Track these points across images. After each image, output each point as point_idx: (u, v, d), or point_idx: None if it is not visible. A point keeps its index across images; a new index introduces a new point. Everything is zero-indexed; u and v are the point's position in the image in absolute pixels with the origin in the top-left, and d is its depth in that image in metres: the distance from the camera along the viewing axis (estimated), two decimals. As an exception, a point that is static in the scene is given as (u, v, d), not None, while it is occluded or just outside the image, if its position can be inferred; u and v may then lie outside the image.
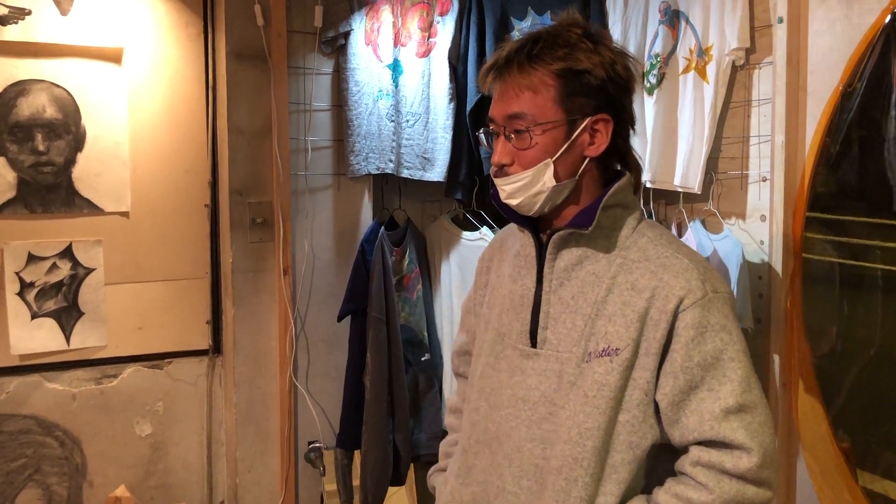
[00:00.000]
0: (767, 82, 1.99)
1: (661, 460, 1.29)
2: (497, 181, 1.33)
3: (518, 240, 1.44)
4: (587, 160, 1.31)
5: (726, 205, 2.14)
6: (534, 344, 1.33)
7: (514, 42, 1.31)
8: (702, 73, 2.11)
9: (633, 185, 1.36)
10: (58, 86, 2.38)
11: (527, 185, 1.29)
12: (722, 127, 2.12)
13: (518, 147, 1.29)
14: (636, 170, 1.37)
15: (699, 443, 1.23)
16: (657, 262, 1.27)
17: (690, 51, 2.15)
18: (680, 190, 2.20)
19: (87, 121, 2.42)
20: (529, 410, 1.30)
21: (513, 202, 1.31)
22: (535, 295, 1.34)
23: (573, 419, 1.25)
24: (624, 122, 1.33)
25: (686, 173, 2.16)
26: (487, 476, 1.34)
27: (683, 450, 1.26)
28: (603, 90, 1.28)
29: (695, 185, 2.13)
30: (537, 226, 1.38)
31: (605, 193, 1.30)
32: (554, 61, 1.25)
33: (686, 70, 2.17)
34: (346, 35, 2.43)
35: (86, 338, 2.46)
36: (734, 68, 2.07)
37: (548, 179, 1.28)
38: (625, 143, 1.35)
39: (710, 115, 2.08)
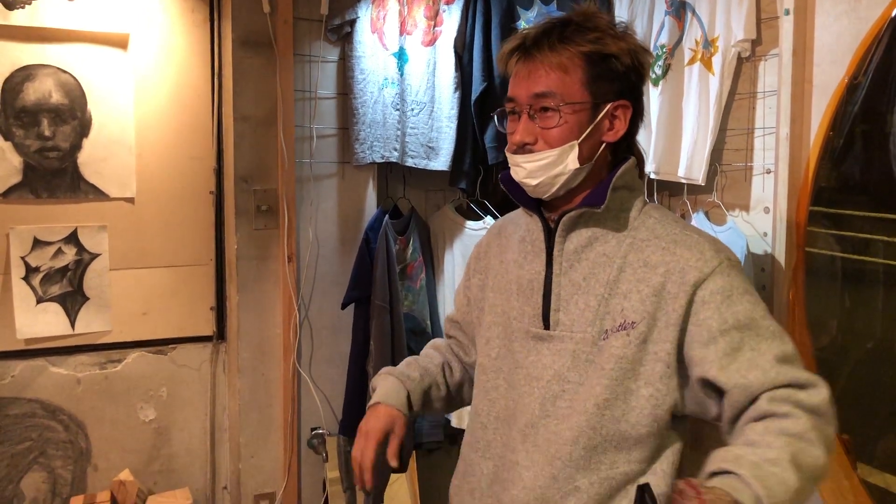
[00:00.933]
0: (773, 74, 1.99)
1: (679, 430, 1.33)
2: (518, 158, 1.32)
3: (521, 226, 1.45)
4: (603, 145, 1.33)
5: (730, 196, 2.15)
6: (546, 326, 1.34)
7: (541, 24, 1.33)
8: (707, 64, 2.11)
9: (638, 168, 1.38)
10: (64, 71, 2.38)
11: (550, 164, 1.29)
12: (727, 119, 2.12)
13: (543, 126, 1.29)
14: (640, 158, 1.40)
15: (768, 391, 1.21)
16: (668, 240, 1.29)
17: (696, 42, 2.15)
18: (684, 181, 2.20)
19: (92, 106, 2.43)
20: (543, 389, 1.32)
21: (532, 181, 1.32)
22: (546, 278, 1.35)
23: (590, 391, 1.28)
24: (639, 110, 1.36)
25: (690, 164, 2.16)
26: (504, 451, 1.37)
27: (741, 412, 1.24)
28: (626, 77, 1.31)
29: (699, 177, 2.14)
30: (542, 211, 1.40)
31: (614, 174, 1.32)
32: (585, 43, 1.28)
33: (692, 61, 2.17)
34: (352, 23, 2.43)
35: (90, 323, 2.48)
36: (740, 60, 2.07)
37: (571, 161, 1.29)
38: (636, 131, 1.38)
39: (715, 106, 2.08)
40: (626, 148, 1.38)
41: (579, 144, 1.29)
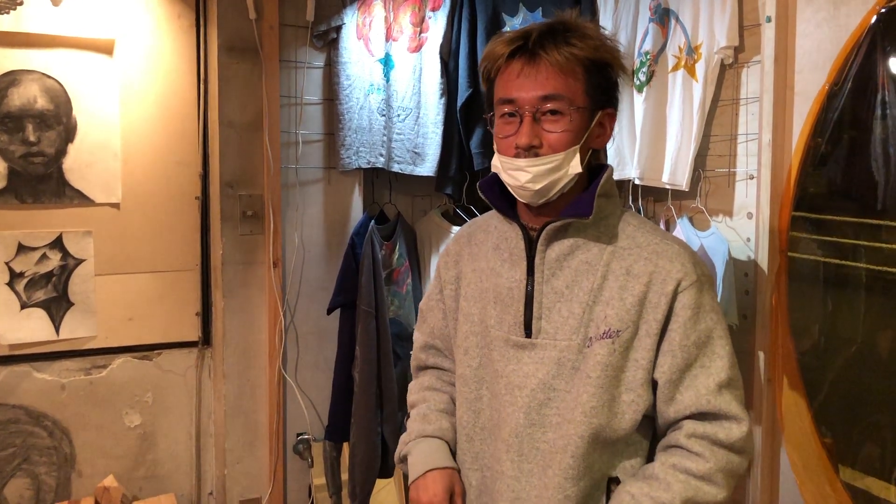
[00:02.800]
0: (755, 81, 2.01)
1: (644, 429, 1.37)
2: (520, 161, 1.30)
3: (492, 233, 1.45)
4: (590, 151, 1.35)
5: (714, 202, 2.16)
6: (528, 334, 1.34)
7: (539, 25, 1.32)
8: (691, 71, 2.13)
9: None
10: (49, 77, 2.38)
11: (554, 168, 1.29)
12: (710, 125, 2.13)
13: (549, 129, 1.29)
14: (608, 165, 1.42)
15: (692, 416, 1.30)
16: (649, 250, 1.32)
17: (680, 49, 2.16)
18: (668, 187, 2.21)
19: (78, 112, 2.42)
20: (527, 397, 1.33)
21: (534, 186, 1.30)
22: (527, 287, 1.35)
23: (577, 400, 1.29)
24: (616, 117, 1.40)
25: (674, 170, 2.17)
26: (491, 462, 1.38)
27: (670, 425, 1.34)
28: (616, 86, 1.36)
29: (683, 183, 2.15)
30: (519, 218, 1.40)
31: (597, 183, 1.33)
32: (588, 51, 1.28)
33: (675, 68, 2.18)
34: (338, 29, 2.44)
35: (75, 328, 2.47)
36: (723, 66, 2.09)
37: (574, 166, 1.30)
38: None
39: (698, 112, 2.10)
40: (596, 156, 1.39)
41: (579, 149, 1.30)
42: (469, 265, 1.48)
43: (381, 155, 2.49)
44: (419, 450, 1.44)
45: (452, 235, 2.58)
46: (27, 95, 2.36)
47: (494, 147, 1.38)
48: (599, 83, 1.31)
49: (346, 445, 2.51)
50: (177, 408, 2.64)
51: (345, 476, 2.51)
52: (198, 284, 2.62)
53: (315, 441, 2.56)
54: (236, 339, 2.49)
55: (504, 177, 1.35)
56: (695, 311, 1.29)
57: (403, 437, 1.51)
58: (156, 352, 2.60)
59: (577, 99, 1.29)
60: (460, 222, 2.62)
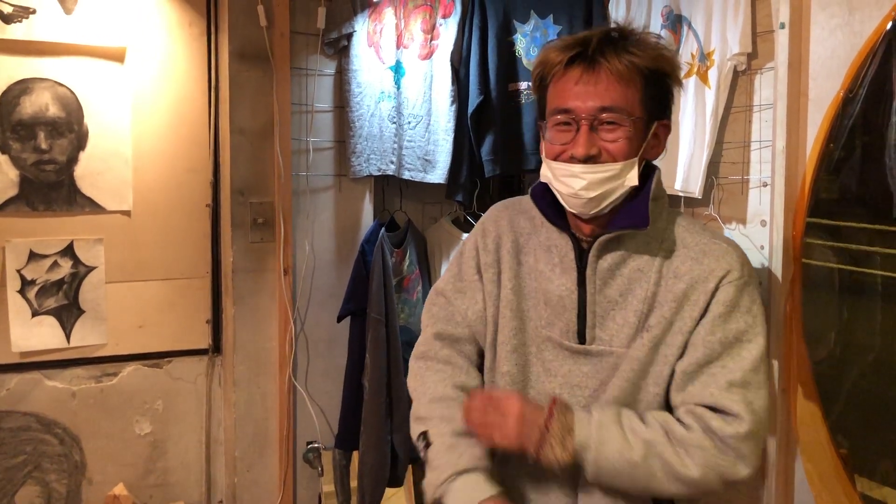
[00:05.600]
0: (769, 87, 1.99)
1: None
2: (577, 168, 1.26)
3: (542, 232, 1.41)
4: (643, 163, 1.32)
5: (727, 209, 2.14)
6: (582, 341, 1.34)
7: (597, 31, 1.29)
8: (703, 77, 2.12)
9: None
10: (61, 84, 2.39)
11: (611, 177, 1.26)
12: (723, 132, 2.12)
13: (607, 139, 1.26)
14: (656, 168, 1.40)
15: (695, 404, 1.28)
16: (697, 250, 1.31)
17: (692, 55, 2.15)
18: (681, 194, 2.20)
19: (89, 119, 2.43)
20: (589, 398, 1.34)
21: (589, 194, 1.26)
22: (579, 297, 1.34)
23: (608, 393, 1.32)
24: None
25: (687, 178, 2.16)
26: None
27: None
28: (671, 97, 1.33)
29: (696, 190, 2.13)
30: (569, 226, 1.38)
31: (648, 190, 1.30)
32: (647, 60, 1.26)
33: (688, 74, 2.17)
34: (349, 37, 2.44)
35: (86, 336, 2.47)
36: (736, 73, 2.08)
37: (631, 178, 1.27)
38: None
39: (711, 119, 2.09)
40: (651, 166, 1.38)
41: (637, 161, 1.28)
42: (514, 256, 1.43)
43: (392, 162, 2.49)
44: (457, 490, 1.31)
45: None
46: (39, 103, 2.37)
47: (542, 155, 1.35)
48: (656, 93, 1.29)
49: (355, 454, 2.50)
50: (187, 416, 2.64)
51: (354, 484, 2.50)
52: (208, 292, 2.62)
53: (325, 449, 2.55)
54: (246, 346, 2.49)
55: (556, 184, 1.32)
56: (729, 308, 1.27)
57: (433, 478, 1.34)
58: (166, 359, 2.60)
59: (634, 109, 1.26)
60: (470, 229, 2.60)
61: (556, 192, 1.33)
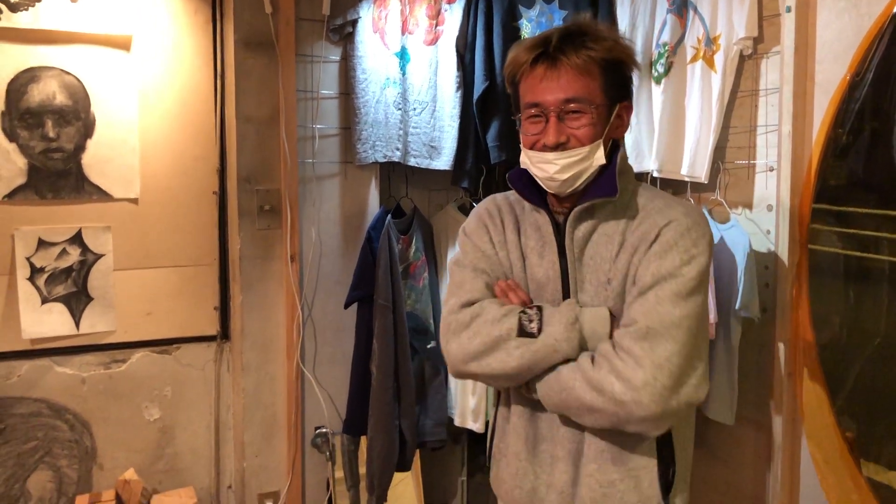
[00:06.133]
0: (775, 72, 1.99)
1: None
2: (549, 155, 1.41)
3: (527, 216, 1.54)
4: (611, 141, 1.47)
5: (733, 194, 2.14)
6: None
7: (556, 30, 1.44)
8: (709, 62, 2.11)
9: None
10: (68, 73, 2.39)
11: (581, 160, 1.41)
12: (729, 116, 2.12)
13: (573, 126, 1.41)
14: (620, 146, 1.54)
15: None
16: (653, 211, 1.43)
17: (698, 40, 2.14)
18: (687, 179, 2.20)
19: (96, 107, 2.44)
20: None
21: (562, 176, 1.42)
22: (561, 266, 1.47)
23: None
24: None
25: (693, 162, 2.16)
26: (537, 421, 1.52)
27: None
28: (630, 80, 1.48)
29: (702, 175, 2.13)
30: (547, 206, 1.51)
31: (615, 163, 1.44)
32: (603, 52, 1.40)
33: (694, 59, 2.16)
34: (354, 23, 2.43)
35: (95, 323, 2.49)
36: (742, 58, 2.07)
37: (598, 157, 1.42)
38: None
39: (717, 104, 2.08)
40: (615, 145, 1.51)
41: (602, 142, 1.42)
42: (516, 236, 1.55)
43: (398, 149, 2.49)
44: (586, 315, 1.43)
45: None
46: (46, 91, 2.37)
47: (522, 144, 1.49)
48: (615, 80, 1.43)
49: (363, 439, 2.51)
50: (196, 402, 2.66)
51: (363, 469, 2.52)
52: (216, 279, 2.64)
53: (333, 434, 2.57)
54: (254, 333, 2.50)
55: (533, 170, 1.47)
56: (665, 248, 1.36)
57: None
58: (174, 346, 2.61)
59: (595, 97, 1.40)
60: (477, 216, 2.61)
61: (535, 177, 1.48)
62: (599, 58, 1.39)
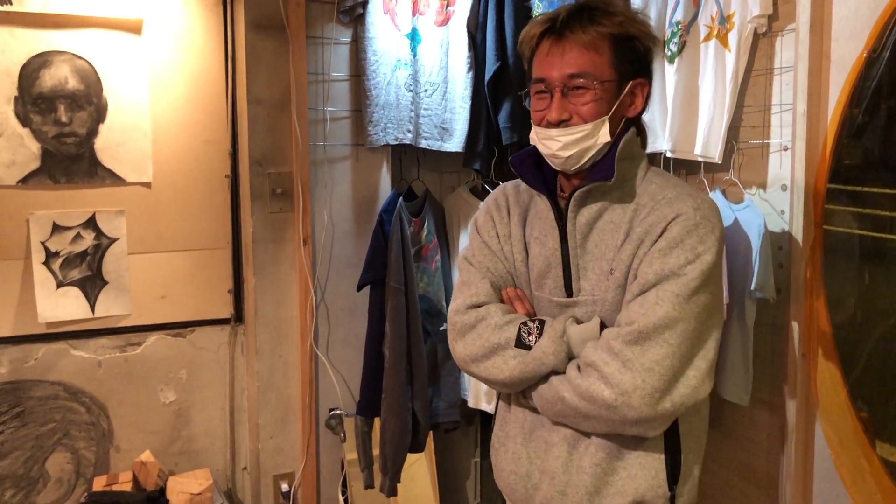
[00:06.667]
0: (790, 50, 1.96)
1: None
2: (552, 132, 1.41)
3: (537, 203, 1.53)
4: (623, 121, 1.44)
5: (747, 174, 2.12)
6: (569, 294, 1.46)
7: (566, 7, 1.42)
8: (723, 41, 2.09)
9: (639, 138, 1.48)
10: (79, 57, 2.40)
11: (584, 137, 1.39)
12: (743, 95, 2.09)
13: (577, 102, 1.39)
14: (644, 133, 1.51)
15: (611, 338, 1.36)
16: (662, 201, 1.39)
17: (712, 18, 2.12)
18: (701, 159, 2.18)
19: (108, 92, 2.44)
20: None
21: (565, 153, 1.40)
22: (562, 252, 1.45)
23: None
24: (651, 87, 1.48)
25: (707, 142, 2.14)
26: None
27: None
28: (644, 57, 1.44)
29: (716, 155, 2.11)
30: (553, 189, 1.50)
31: (617, 146, 1.41)
32: (612, 26, 1.38)
33: (707, 38, 2.14)
34: (364, 4, 2.42)
35: (110, 306, 2.51)
36: (756, 36, 2.04)
37: (603, 134, 1.39)
38: (646, 109, 1.50)
39: (731, 83, 2.06)
40: (637, 123, 1.48)
41: (608, 119, 1.40)
42: (520, 227, 1.55)
43: (409, 131, 2.48)
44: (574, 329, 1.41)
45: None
46: (58, 76, 2.38)
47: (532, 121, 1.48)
48: (626, 55, 1.40)
49: (377, 421, 2.52)
50: (210, 384, 2.68)
51: (376, 450, 2.54)
52: (229, 262, 2.65)
53: (347, 416, 2.58)
54: (268, 316, 2.52)
55: (539, 146, 1.46)
56: (671, 244, 1.33)
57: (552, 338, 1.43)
58: (189, 329, 2.63)
59: (602, 73, 1.38)
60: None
61: (542, 154, 1.47)
62: (608, 33, 1.38)
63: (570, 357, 1.39)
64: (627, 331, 1.31)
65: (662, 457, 1.40)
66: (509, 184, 1.63)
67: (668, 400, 1.29)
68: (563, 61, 1.38)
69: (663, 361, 1.28)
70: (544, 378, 1.41)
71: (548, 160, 1.46)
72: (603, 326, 1.40)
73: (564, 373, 1.38)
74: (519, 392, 1.48)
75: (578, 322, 1.43)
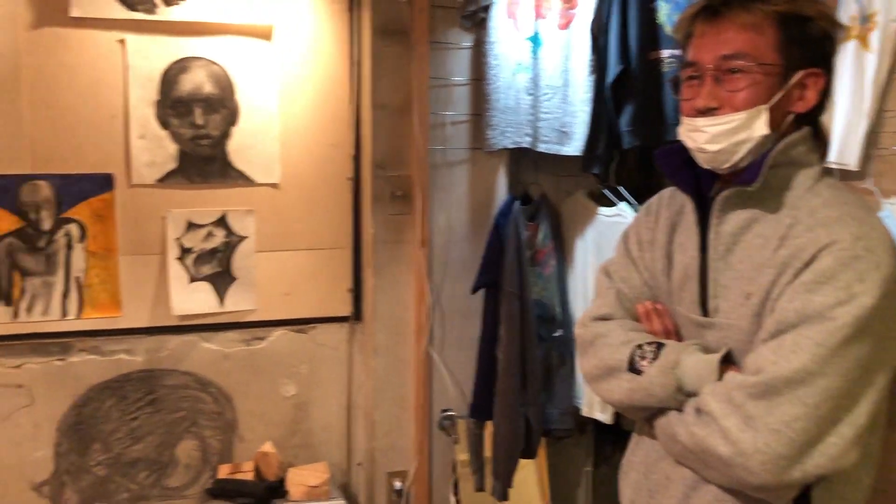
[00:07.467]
0: (939, 50, 1.83)
1: None
2: (698, 121, 1.25)
3: (686, 207, 1.38)
4: (791, 117, 1.25)
5: (888, 182, 2.00)
6: (705, 312, 1.29)
7: None
8: (864, 41, 1.97)
9: (815, 142, 1.28)
10: (214, 63, 2.51)
11: (735, 128, 1.21)
12: (885, 100, 1.97)
13: (731, 89, 1.22)
14: (824, 136, 1.31)
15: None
16: (821, 219, 1.17)
17: (852, 18, 2.01)
18: (835, 167, 2.07)
19: (240, 96, 2.55)
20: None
21: (713, 147, 1.23)
22: (700, 263, 1.29)
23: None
24: (831, 82, 1.26)
25: (843, 149, 2.03)
26: None
27: None
28: (821, 44, 1.24)
29: (852, 162, 2.00)
30: (703, 190, 1.32)
31: (773, 149, 1.22)
32: (780, 3, 1.20)
33: (846, 38, 2.02)
34: (487, 8, 2.43)
35: (238, 301, 2.62)
36: (901, 36, 1.92)
37: (759, 127, 1.21)
38: (824, 107, 1.28)
39: (871, 86, 1.94)
40: (814, 123, 1.27)
41: (768, 110, 1.21)
42: (667, 234, 1.41)
43: (528, 135, 2.47)
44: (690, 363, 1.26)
45: (599, 217, 2.51)
46: (195, 81, 2.51)
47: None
48: (797, 38, 1.21)
49: (489, 424, 2.53)
50: (329, 380, 2.75)
51: (487, 453, 2.54)
52: (350, 262, 2.71)
53: (459, 418, 2.60)
54: (385, 315, 2.56)
55: (686, 141, 1.29)
56: (819, 278, 1.11)
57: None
58: (310, 325, 2.71)
59: (765, 56, 1.20)
60: (607, 203, 2.55)
61: (688, 149, 1.31)
62: (775, 11, 1.19)
63: (684, 391, 1.23)
64: (753, 381, 1.12)
65: None
66: (667, 189, 1.47)
67: (797, 469, 1.09)
68: (718, 41, 1.21)
69: (794, 423, 1.08)
70: (663, 410, 1.26)
71: (695, 157, 1.28)
72: (730, 359, 1.22)
73: (680, 410, 1.23)
74: (644, 419, 1.36)
75: (706, 351, 1.25)
